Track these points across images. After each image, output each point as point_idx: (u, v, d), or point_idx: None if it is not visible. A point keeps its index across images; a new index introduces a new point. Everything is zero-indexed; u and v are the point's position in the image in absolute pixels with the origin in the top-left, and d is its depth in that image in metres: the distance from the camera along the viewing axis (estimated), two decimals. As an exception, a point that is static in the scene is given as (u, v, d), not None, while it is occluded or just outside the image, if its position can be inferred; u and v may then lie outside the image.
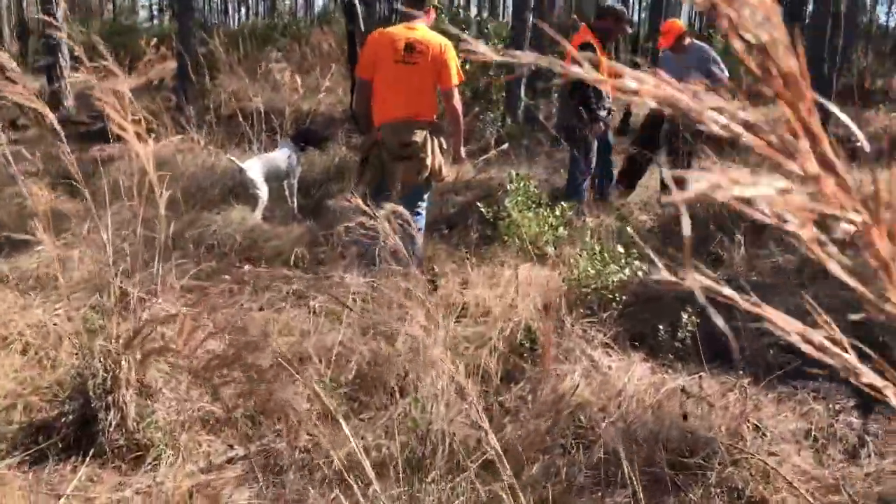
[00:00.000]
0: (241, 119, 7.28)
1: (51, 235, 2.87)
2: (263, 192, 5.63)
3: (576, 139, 5.46)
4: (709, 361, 3.12)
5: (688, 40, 6.05)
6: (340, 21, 18.13)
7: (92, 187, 6.19)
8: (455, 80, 4.12)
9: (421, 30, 4.09)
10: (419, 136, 4.07)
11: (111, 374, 2.51)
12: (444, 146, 4.24)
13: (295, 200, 5.91)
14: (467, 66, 9.26)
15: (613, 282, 3.07)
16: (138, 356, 2.57)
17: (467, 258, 3.87)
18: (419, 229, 4.22)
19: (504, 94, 8.96)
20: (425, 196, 4.27)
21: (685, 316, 3.12)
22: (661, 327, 3.17)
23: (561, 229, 3.35)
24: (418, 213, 4.23)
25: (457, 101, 4.17)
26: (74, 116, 10.20)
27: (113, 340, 2.60)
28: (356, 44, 4.55)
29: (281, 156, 5.86)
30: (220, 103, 8.94)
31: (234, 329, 3.01)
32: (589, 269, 3.07)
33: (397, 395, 2.66)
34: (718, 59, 6.03)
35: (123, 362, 2.51)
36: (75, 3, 35.61)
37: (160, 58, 14.72)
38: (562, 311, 3.06)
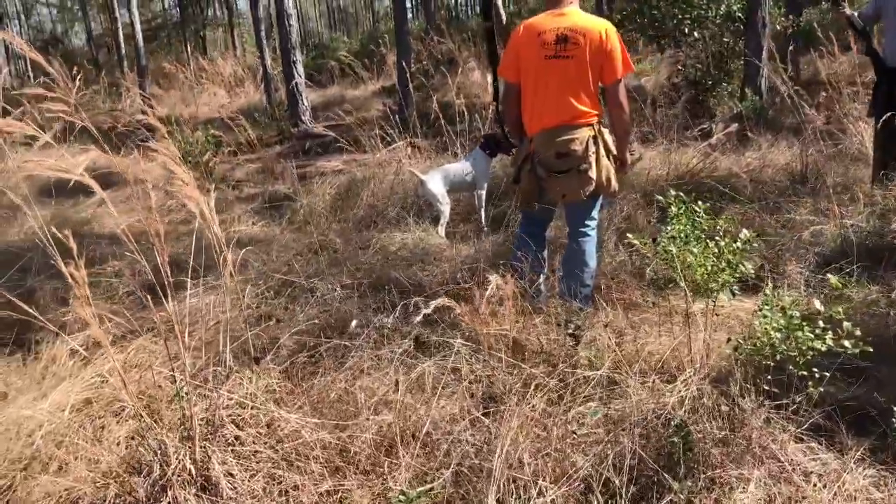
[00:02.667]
0: (443, 123, 6.95)
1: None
2: (445, 205, 5.24)
3: None
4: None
5: None
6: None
7: (294, 208, 6.31)
8: (621, 72, 3.32)
9: (573, 15, 3.33)
10: (579, 143, 3.33)
11: (165, 469, 2.22)
12: (614, 151, 3.45)
13: (483, 213, 5.42)
14: (695, 33, 8.06)
15: (809, 351, 2.10)
16: (199, 448, 2.26)
17: (627, 301, 3.07)
18: (587, 254, 3.50)
19: (743, 63, 7.59)
20: (594, 213, 3.51)
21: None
22: (895, 409, 2.15)
23: (745, 266, 2.42)
24: (586, 236, 3.50)
25: (623, 97, 3.35)
26: (312, 130, 10.71)
27: (176, 428, 2.33)
28: (496, 41, 3.90)
29: (465, 165, 5.41)
30: (440, 107, 8.70)
31: (329, 405, 2.59)
32: (771, 332, 2.13)
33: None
34: None
35: (173, 456, 2.21)
36: (346, 14, 38.53)
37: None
38: (735, 389, 2.19)
